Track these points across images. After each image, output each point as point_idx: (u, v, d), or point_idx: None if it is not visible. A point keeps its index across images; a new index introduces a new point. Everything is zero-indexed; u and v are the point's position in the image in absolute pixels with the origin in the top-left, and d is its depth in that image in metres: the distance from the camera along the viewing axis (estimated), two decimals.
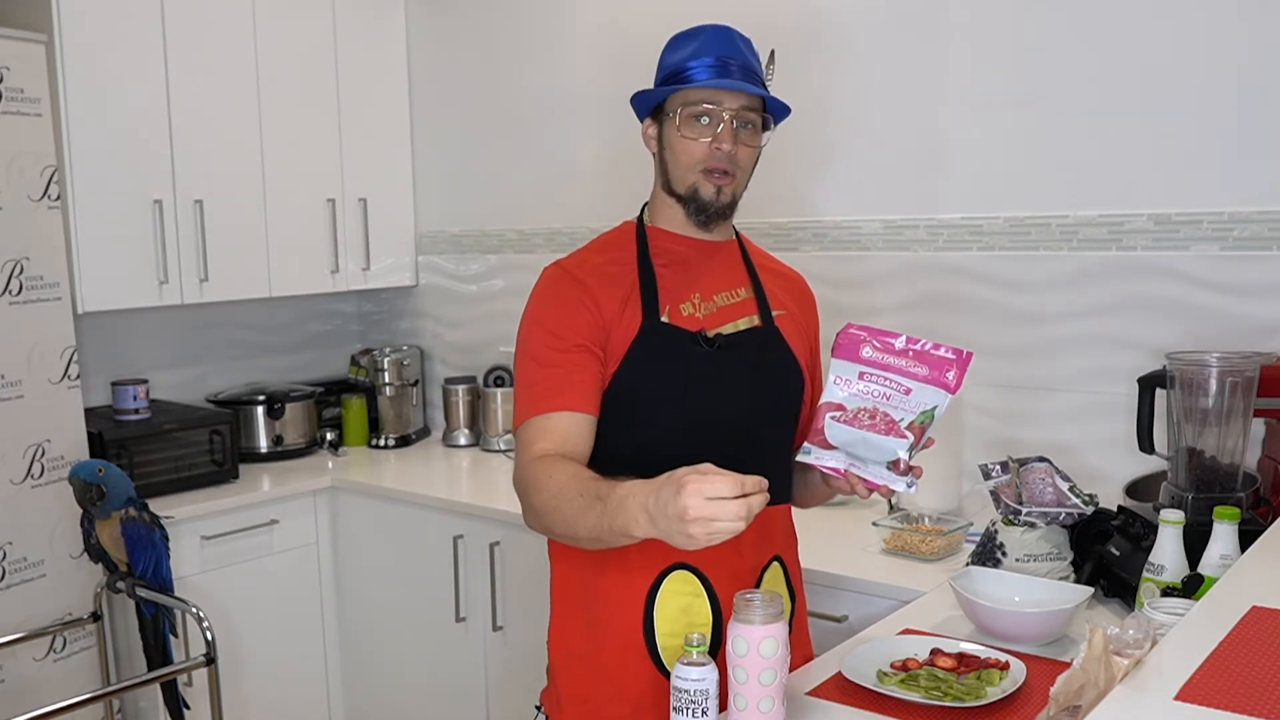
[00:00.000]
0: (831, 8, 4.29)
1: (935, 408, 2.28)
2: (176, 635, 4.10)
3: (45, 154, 4.30)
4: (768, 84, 2.60)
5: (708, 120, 2.46)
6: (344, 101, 5.53)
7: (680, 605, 2.49)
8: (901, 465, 2.27)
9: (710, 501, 1.96)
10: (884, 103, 4.22)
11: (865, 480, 2.29)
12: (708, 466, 2.02)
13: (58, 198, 4.36)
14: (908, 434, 2.27)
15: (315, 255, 5.47)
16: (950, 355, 2.30)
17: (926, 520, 3.79)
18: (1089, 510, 3.15)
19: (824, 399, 2.34)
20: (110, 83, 4.63)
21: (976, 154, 4.03)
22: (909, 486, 2.28)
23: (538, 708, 2.76)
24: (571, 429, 2.42)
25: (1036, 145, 3.90)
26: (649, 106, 2.57)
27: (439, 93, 5.75)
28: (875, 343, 2.34)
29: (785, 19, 4.33)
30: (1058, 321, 3.90)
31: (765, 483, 2.03)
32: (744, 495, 1.98)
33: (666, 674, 2.45)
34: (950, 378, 2.29)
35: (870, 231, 4.30)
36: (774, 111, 2.54)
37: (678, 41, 2.54)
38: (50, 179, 4.32)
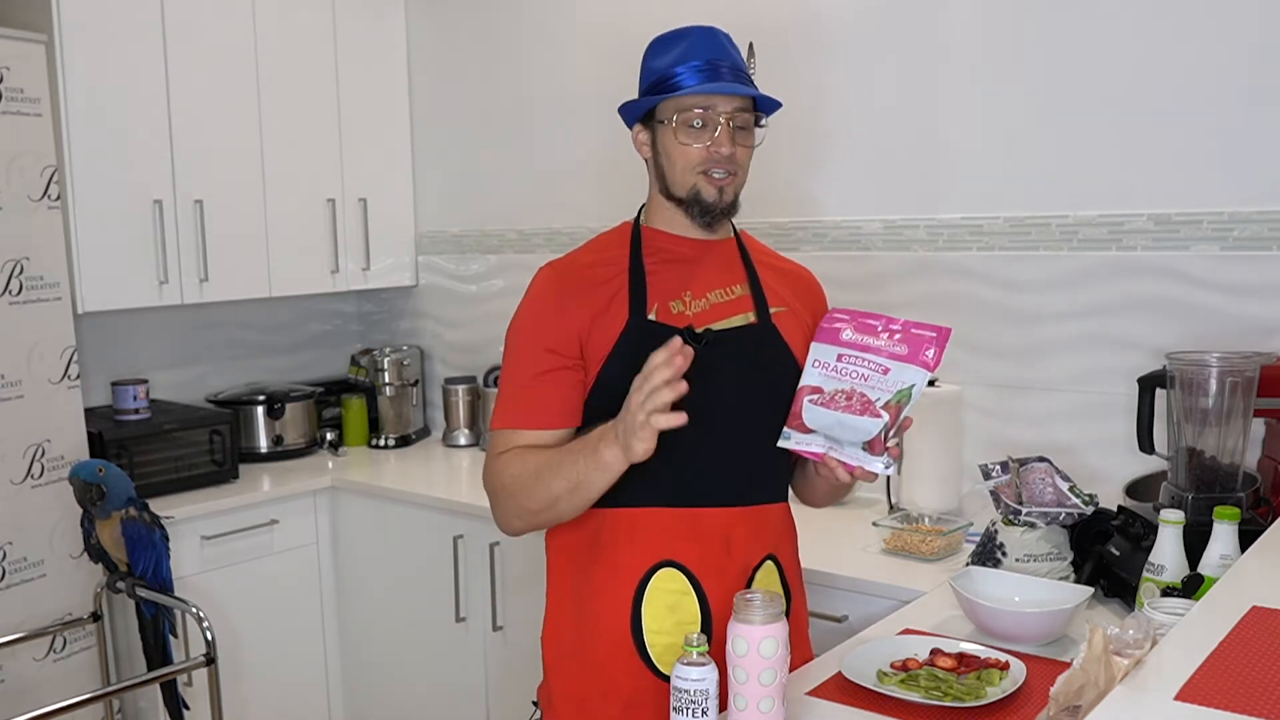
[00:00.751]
0: (830, 8, 4.28)
1: (913, 386, 2.28)
2: (176, 635, 4.10)
3: (45, 154, 4.31)
4: (752, 77, 2.61)
5: (703, 124, 2.46)
6: (344, 101, 5.53)
7: (668, 603, 2.50)
8: (877, 445, 2.27)
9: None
10: (884, 103, 4.21)
11: (843, 463, 2.29)
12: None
13: (58, 198, 4.37)
14: (883, 413, 2.27)
15: (315, 255, 5.47)
16: (930, 333, 2.31)
17: (926, 520, 3.78)
18: (1089, 510, 3.16)
19: (802, 382, 2.34)
20: (110, 83, 4.63)
21: (976, 154, 4.02)
22: (886, 467, 2.29)
23: (534, 704, 2.77)
24: (536, 443, 2.48)
25: (1036, 145, 3.89)
26: (639, 113, 2.58)
27: (439, 93, 5.75)
28: (855, 324, 2.35)
29: (784, 19, 4.34)
30: (1058, 321, 3.90)
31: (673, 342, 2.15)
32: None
33: (656, 671, 2.49)
34: (929, 355, 2.29)
35: (870, 231, 4.30)
36: (765, 108, 2.54)
37: (661, 45, 2.54)
38: (50, 179, 4.32)
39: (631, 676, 2.51)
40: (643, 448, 2.14)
